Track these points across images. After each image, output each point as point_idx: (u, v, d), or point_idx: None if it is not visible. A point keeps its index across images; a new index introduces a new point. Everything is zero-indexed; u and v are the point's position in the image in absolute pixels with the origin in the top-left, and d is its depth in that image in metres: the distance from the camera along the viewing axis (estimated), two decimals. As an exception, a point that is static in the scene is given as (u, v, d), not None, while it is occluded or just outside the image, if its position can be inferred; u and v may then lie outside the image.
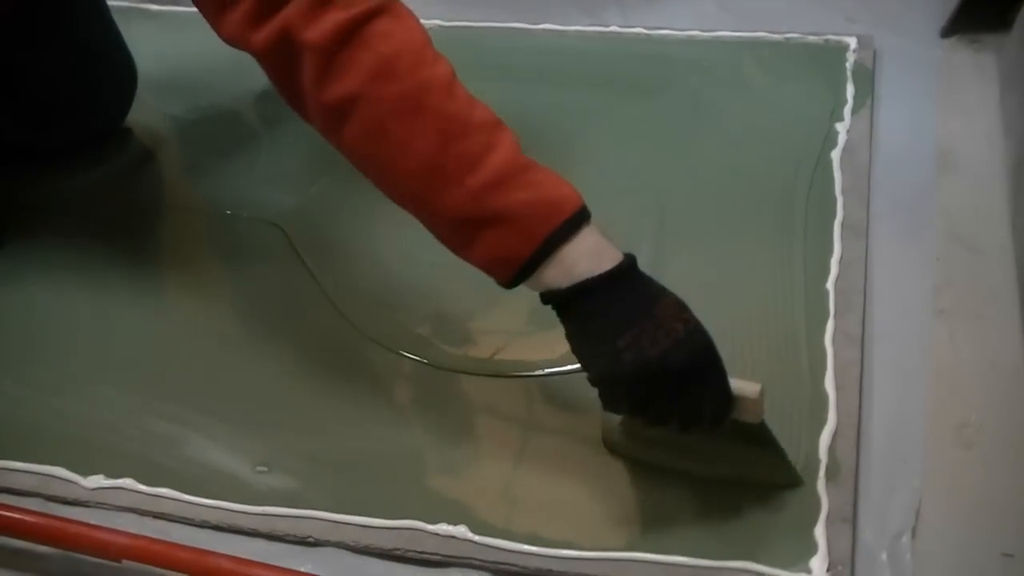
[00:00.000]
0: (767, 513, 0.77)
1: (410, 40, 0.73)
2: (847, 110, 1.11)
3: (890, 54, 1.20)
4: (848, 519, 0.76)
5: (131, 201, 1.15)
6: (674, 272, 0.92)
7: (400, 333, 0.95)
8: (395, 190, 0.75)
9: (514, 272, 0.71)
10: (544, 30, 1.32)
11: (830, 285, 0.93)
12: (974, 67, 1.17)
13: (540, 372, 0.89)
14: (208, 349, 0.96)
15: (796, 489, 0.78)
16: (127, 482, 0.85)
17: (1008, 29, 1.14)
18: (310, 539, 0.80)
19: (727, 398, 0.71)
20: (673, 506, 0.78)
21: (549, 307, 0.73)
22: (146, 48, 1.24)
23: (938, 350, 0.88)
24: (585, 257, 0.70)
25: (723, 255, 0.98)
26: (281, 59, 0.74)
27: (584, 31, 1.30)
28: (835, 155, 1.06)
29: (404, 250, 1.01)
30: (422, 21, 1.39)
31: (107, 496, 0.84)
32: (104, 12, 1.18)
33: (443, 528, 0.79)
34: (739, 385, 0.71)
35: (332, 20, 0.71)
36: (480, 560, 0.77)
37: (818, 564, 0.73)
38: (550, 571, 0.76)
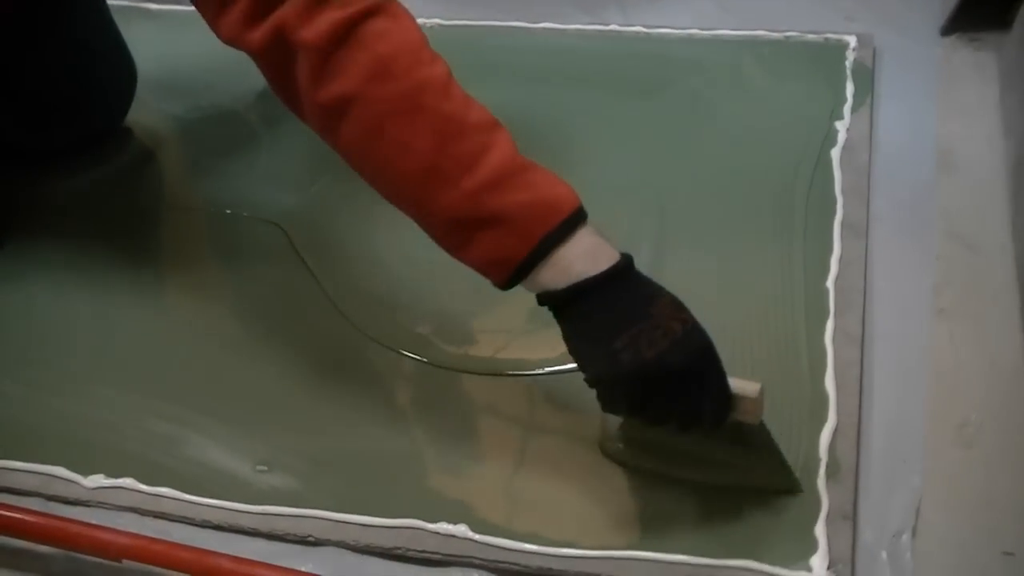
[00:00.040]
0: (767, 512, 0.77)
1: (406, 40, 0.73)
2: (847, 109, 1.11)
3: (890, 53, 1.20)
4: (848, 517, 0.76)
5: (131, 201, 1.15)
6: (674, 271, 0.92)
7: (400, 332, 0.95)
8: (391, 190, 0.75)
9: (510, 273, 0.71)
10: (544, 29, 1.32)
11: (830, 284, 0.93)
12: (974, 66, 1.17)
13: (541, 371, 0.89)
14: (208, 348, 0.96)
15: (797, 487, 0.78)
16: (127, 482, 0.85)
17: (1008, 28, 1.14)
18: (310, 538, 0.80)
19: (726, 398, 0.71)
20: (673, 505, 0.78)
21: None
22: (146, 48, 1.24)
23: (938, 349, 0.88)
24: (581, 258, 0.70)
25: (723, 254, 0.98)
26: (277, 59, 0.74)
27: (584, 30, 1.30)
28: (835, 154, 1.06)
29: (404, 249, 1.01)
30: (422, 20, 1.39)
31: (108, 496, 0.84)
32: (104, 12, 1.18)
33: (444, 527, 0.79)
34: (738, 384, 0.71)
35: (328, 19, 0.71)
36: (481, 559, 0.77)
37: (818, 562, 0.73)
38: (551, 570, 0.76)
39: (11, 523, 0.81)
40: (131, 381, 0.94)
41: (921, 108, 1.12)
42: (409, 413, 0.89)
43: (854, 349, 0.88)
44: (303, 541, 0.80)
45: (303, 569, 0.76)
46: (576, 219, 0.71)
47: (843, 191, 1.02)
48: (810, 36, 1.23)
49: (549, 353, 0.89)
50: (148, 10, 1.44)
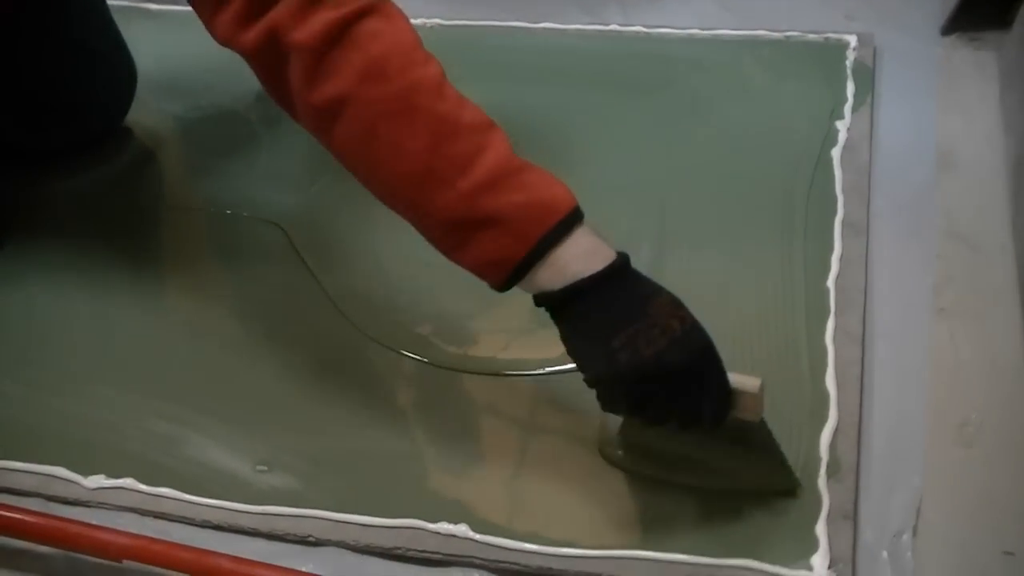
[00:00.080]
0: (768, 511, 0.77)
1: (400, 40, 0.73)
2: (847, 108, 1.12)
3: (890, 52, 1.20)
4: (849, 517, 0.76)
5: (131, 201, 1.15)
6: (674, 271, 0.92)
7: (400, 332, 0.95)
8: (386, 192, 0.74)
9: (507, 275, 0.71)
10: (544, 29, 1.32)
11: (830, 283, 0.93)
12: (974, 65, 1.17)
13: (541, 371, 0.89)
14: (208, 348, 0.96)
15: (798, 487, 0.78)
16: (128, 482, 0.85)
17: (1008, 27, 1.14)
18: (311, 538, 0.80)
19: (726, 395, 0.71)
20: (674, 504, 0.78)
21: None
22: (146, 48, 1.24)
23: (939, 348, 0.88)
24: (578, 258, 0.70)
25: (723, 253, 0.98)
26: (270, 60, 0.74)
27: (584, 30, 1.30)
28: (835, 153, 1.06)
29: (405, 249, 1.00)
30: (422, 20, 1.41)
31: (108, 496, 0.84)
32: (103, 12, 1.18)
33: (444, 527, 0.79)
34: (738, 380, 0.71)
35: (321, 20, 0.71)
36: (481, 559, 0.77)
37: (819, 561, 0.73)
38: (551, 569, 0.76)
39: (11, 523, 0.81)
40: (131, 381, 0.94)
41: (921, 107, 1.12)
42: (409, 413, 0.89)
43: (855, 348, 0.88)
44: (303, 541, 0.80)
45: (303, 569, 0.76)
46: (573, 219, 0.70)
47: (843, 190, 1.02)
48: (810, 35, 1.23)
49: (549, 353, 0.88)
50: (148, 10, 1.44)
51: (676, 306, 0.70)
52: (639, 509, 0.79)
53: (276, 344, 0.96)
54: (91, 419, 0.91)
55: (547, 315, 0.73)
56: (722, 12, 1.31)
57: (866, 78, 1.16)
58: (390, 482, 0.83)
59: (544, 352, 0.89)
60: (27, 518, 0.81)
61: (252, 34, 0.73)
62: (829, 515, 0.76)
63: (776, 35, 1.24)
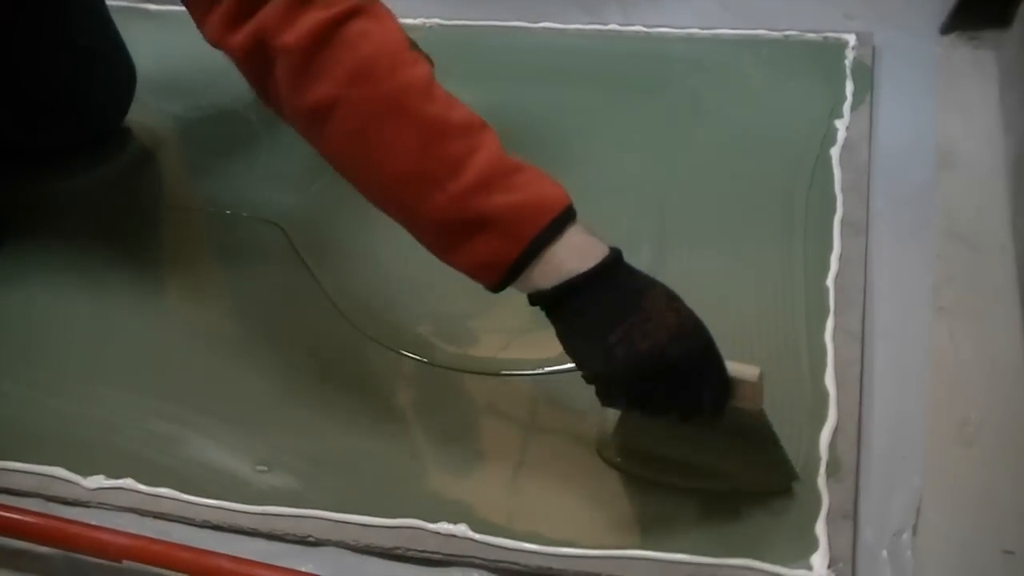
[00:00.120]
0: (768, 510, 0.77)
1: (388, 41, 0.72)
2: (846, 107, 1.12)
3: (889, 51, 1.20)
4: (849, 516, 0.76)
5: (131, 201, 1.15)
6: (674, 270, 0.92)
7: (400, 332, 0.95)
8: (377, 194, 0.74)
9: (501, 276, 0.71)
10: (544, 28, 1.32)
11: (830, 282, 0.93)
12: (973, 64, 1.17)
13: (541, 371, 0.89)
14: (208, 348, 0.96)
15: (796, 487, 0.77)
16: (127, 482, 0.85)
17: (1007, 26, 1.14)
18: (310, 538, 0.80)
19: (725, 384, 0.71)
20: (674, 504, 0.78)
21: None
22: (145, 48, 1.24)
23: (938, 348, 0.88)
24: (571, 256, 0.70)
25: (723, 253, 0.98)
26: (258, 62, 0.73)
27: (584, 29, 1.30)
28: (834, 152, 1.06)
29: (404, 249, 0.99)
30: (422, 19, 1.41)
31: (107, 496, 0.84)
32: (103, 12, 1.18)
33: (444, 527, 0.79)
34: (737, 369, 0.71)
35: (309, 21, 0.70)
36: (481, 559, 0.77)
37: (819, 561, 0.73)
38: (551, 569, 0.76)
39: (11, 524, 0.81)
40: (130, 381, 0.94)
41: (921, 106, 1.12)
42: (409, 413, 0.89)
43: (854, 347, 0.88)
44: (303, 541, 0.80)
45: (303, 569, 0.76)
46: (565, 218, 0.70)
47: (843, 189, 1.02)
48: (809, 35, 1.23)
49: (549, 353, 0.88)
50: (147, 10, 1.44)
51: (671, 299, 0.70)
52: (639, 509, 0.79)
53: (275, 344, 0.96)
54: (90, 419, 0.91)
55: (556, 335, 0.73)
56: (721, 11, 1.31)
57: (865, 77, 1.16)
58: (390, 482, 0.83)
59: (544, 352, 0.89)
60: (27, 518, 0.81)
61: (240, 36, 0.72)
62: (829, 514, 0.76)
63: (775, 34, 1.24)
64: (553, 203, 0.70)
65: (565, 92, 1.20)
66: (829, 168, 1.05)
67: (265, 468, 0.85)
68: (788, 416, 0.81)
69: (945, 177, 1.04)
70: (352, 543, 0.79)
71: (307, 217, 1.08)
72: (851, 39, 1.21)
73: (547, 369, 0.89)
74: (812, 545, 0.74)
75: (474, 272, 0.72)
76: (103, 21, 1.19)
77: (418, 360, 0.92)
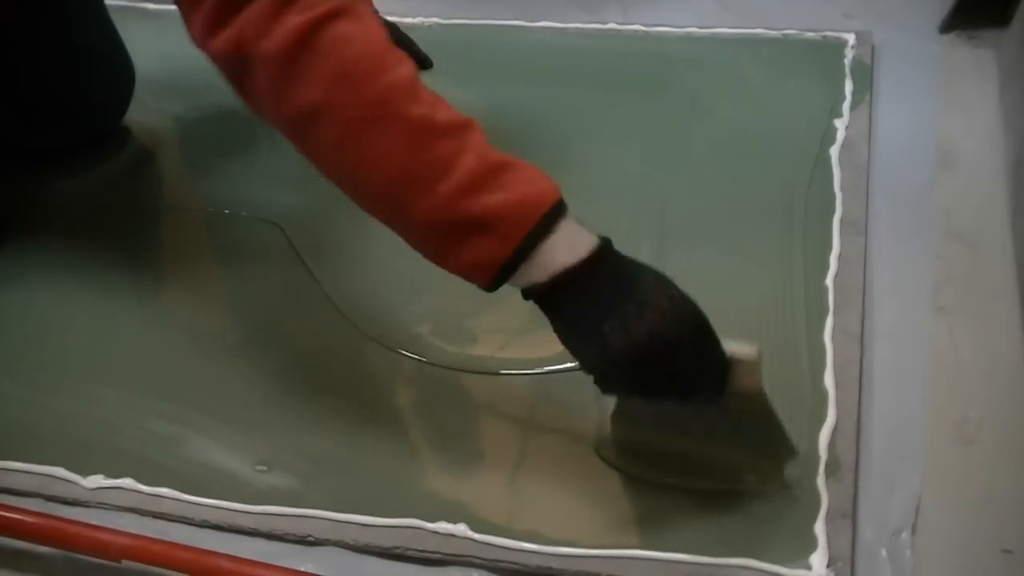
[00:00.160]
0: (767, 510, 0.77)
1: (370, 43, 0.71)
2: (845, 106, 1.12)
3: (889, 50, 1.20)
4: (848, 515, 0.76)
5: (131, 201, 1.15)
6: (674, 270, 0.91)
7: (400, 332, 0.95)
8: (366, 200, 0.74)
9: (495, 275, 0.70)
10: (543, 28, 1.32)
11: (829, 282, 0.93)
12: (973, 63, 1.17)
13: (540, 371, 0.89)
14: (207, 348, 0.96)
15: (796, 486, 0.78)
16: (127, 482, 0.85)
17: (1007, 25, 1.14)
18: (310, 538, 0.80)
19: (723, 363, 0.71)
20: (673, 503, 0.78)
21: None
22: (144, 48, 1.24)
23: (938, 347, 0.88)
24: (563, 248, 0.69)
25: (723, 252, 0.98)
26: (239, 68, 0.72)
27: (583, 28, 1.30)
28: (834, 151, 1.06)
29: (404, 249, 1.00)
30: (420, 19, 1.41)
31: (107, 496, 0.84)
32: (102, 12, 1.18)
33: (443, 526, 0.79)
34: (736, 349, 0.71)
35: (289, 25, 0.69)
36: (480, 558, 0.77)
37: (818, 560, 0.73)
38: (550, 569, 0.76)
39: (10, 524, 0.81)
40: (130, 381, 0.94)
41: (920, 105, 1.12)
42: (408, 413, 0.89)
43: (854, 347, 0.88)
44: (302, 541, 0.80)
45: (303, 569, 0.76)
46: (556, 212, 0.70)
47: (842, 188, 1.02)
48: (809, 34, 1.23)
49: (549, 352, 0.88)
50: (146, 10, 1.44)
51: (663, 283, 0.71)
52: (638, 508, 0.79)
53: (275, 344, 0.96)
54: (90, 419, 0.91)
55: (552, 328, 0.73)
56: (721, 11, 1.31)
57: (864, 76, 1.16)
58: (389, 482, 0.83)
59: (543, 351, 0.89)
60: (26, 518, 0.81)
61: (220, 42, 0.72)
62: (828, 514, 0.76)
63: (774, 33, 1.24)
64: (543, 198, 0.70)
65: (564, 91, 1.20)
66: (828, 167, 1.05)
67: (264, 468, 0.85)
68: (787, 415, 0.81)
69: (945, 176, 1.04)
70: (351, 543, 0.79)
71: (307, 217, 1.08)
72: (850, 38, 1.21)
73: (546, 369, 0.89)
74: (811, 545, 0.74)
75: (467, 273, 0.72)
76: (103, 21, 1.19)
77: (417, 360, 0.92)
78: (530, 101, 1.19)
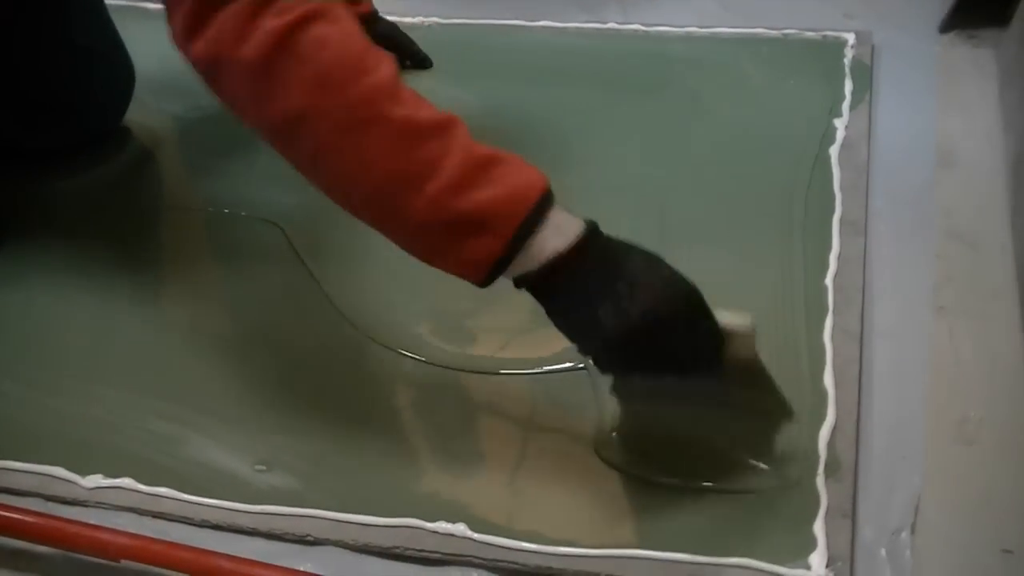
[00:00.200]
0: (766, 509, 0.77)
1: (348, 44, 0.71)
2: (845, 106, 1.12)
3: (888, 50, 1.20)
4: (847, 515, 0.76)
5: (130, 201, 1.15)
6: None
7: (399, 332, 0.95)
8: (353, 204, 0.73)
9: (489, 271, 0.70)
10: (542, 27, 1.32)
11: (829, 281, 0.93)
12: (972, 63, 1.17)
13: (540, 370, 0.89)
14: (206, 348, 0.96)
15: (795, 486, 0.77)
16: (126, 481, 0.85)
17: (1006, 25, 1.15)
18: (309, 538, 0.80)
19: (717, 335, 0.71)
20: (672, 503, 0.78)
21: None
22: (144, 47, 1.24)
23: (938, 346, 0.88)
24: (553, 236, 0.70)
25: (722, 252, 0.98)
26: (217, 74, 0.72)
27: (582, 28, 1.31)
28: (833, 151, 1.06)
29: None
30: (420, 18, 1.41)
31: (106, 496, 0.84)
32: (102, 11, 1.18)
33: (442, 526, 0.78)
34: (730, 319, 0.72)
35: (265, 30, 0.68)
36: (480, 558, 0.77)
37: (817, 560, 0.73)
38: (550, 568, 0.76)
39: (10, 523, 0.80)
40: (129, 380, 0.94)
41: (920, 105, 1.12)
42: (408, 412, 0.89)
43: (853, 346, 0.88)
44: (302, 540, 0.80)
45: (302, 568, 0.76)
46: (545, 202, 0.70)
47: (842, 188, 1.02)
48: (808, 33, 1.23)
49: (548, 352, 0.89)
50: (146, 10, 1.43)
51: (653, 261, 0.71)
52: (638, 508, 0.79)
53: (274, 343, 0.96)
54: (89, 418, 0.91)
55: (546, 313, 0.73)
56: (720, 10, 1.31)
57: (864, 76, 1.16)
58: (388, 481, 0.83)
59: (543, 351, 0.89)
60: (26, 518, 0.81)
61: (198, 48, 0.71)
62: (827, 514, 0.76)
63: (774, 33, 1.24)
64: (532, 190, 0.70)
65: (564, 91, 1.20)
66: (828, 167, 1.05)
67: (264, 467, 0.85)
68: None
69: (944, 176, 1.04)
70: (351, 542, 0.79)
71: (306, 217, 1.08)
72: (850, 38, 1.21)
73: (546, 368, 0.89)
74: (810, 544, 0.74)
75: (460, 270, 0.72)
76: (102, 21, 1.19)
77: (417, 359, 0.92)
78: (530, 101, 1.19)
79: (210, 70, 0.72)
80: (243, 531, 0.81)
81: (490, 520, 0.79)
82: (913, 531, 0.76)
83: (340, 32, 0.71)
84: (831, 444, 0.80)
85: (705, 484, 0.78)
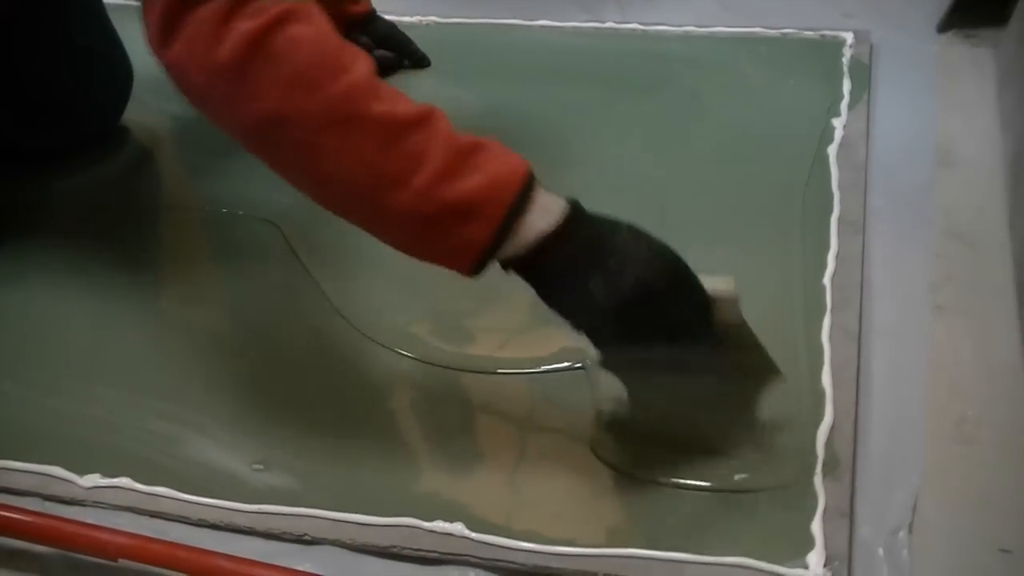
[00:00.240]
0: (764, 509, 0.77)
1: (323, 43, 0.70)
2: (844, 106, 1.12)
3: (887, 49, 1.20)
4: (845, 514, 0.76)
5: (129, 200, 1.15)
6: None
7: (397, 331, 0.95)
8: (337, 203, 0.73)
9: (478, 258, 0.71)
10: (541, 27, 1.32)
11: (827, 281, 0.93)
12: (971, 62, 1.17)
13: (539, 370, 0.89)
14: (204, 347, 0.96)
15: (793, 485, 0.78)
16: (124, 481, 0.85)
17: (1005, 24, 1.15)
18: (307, 537, 0.80)
19: (705, 300, 0.73)
20: (670, 502, 0.78)
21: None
22: (143, 47, 1.22)
23: (936, 346, 0.88)
24: (538, 217, 0.70)
25: (720, 250, 0.97)
26: (192, 77, 0.71)
27: (581, 27, 1.31)
28: (832, 151, 1.06)
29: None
30: (418, 18, 1.41)
31: (104, 495, 0.84)
32: (100, 11, 1.18)
33: (440, 525, 0.78)
34: (713, 285, 0.73)
35: (240, 32, 0.68)
36: (478, 558, 0.77)
37: (815, 559, 0.73)
38: (547, 568, 0.76)
39: (8, 523, 0.80)
40: (128, 380, 0.94)
41: (918, 105, 1.12)
42: (406, 412, 0.89)
43: (851, 345, 0.88)
44: (299, 540, 0.80)
45: (300, 568, 0.76)
46: (529, 185, 0.70)
47: (840, 187, 1.02)
48: (807, 33, 1.24)
49: (547, 351, 0.89)
50: (145, 9, 1.43)
51: (638, 234, 0.72)
52: (636, 507, 0.79)
53: (272, 343, 0.96)
54: (88, 418, 0.91)
55: (545, 313, 0.73)
56: (719, 10, 1.31)
57: (863, 75, 1.16)
58: (386, 481, 0.83)
59: (541, 350, 0.89)
60: (24, 518, 0.81)
61: (172, 53, 0.71)
62: (825, 513, 0.76)
63: (772, 32, 1.24)
64: (515, 174, 0.70)
65: (562, 91, 1.20)
66: (826, 166, 1.05)
67: (261, 467, 0.85)
68: (785, 414, 0.81)
69: (943, 175, 1.04)
70: (348, 542, 0.79)
71: (304, 216, 1.08)
72: (849, 37, 1.21)
73: (544, 368, 0.89)
74: (808, 543, 0.74)
75: (450, 261, 0.72)
76: (102, 21, 1.19)
77: (415, 359, 0.92)
78: (528, 100, 1.19)
79: (184, 73, 0.71)
80: (241, 530, 0.81)
81: (488, 519, 0.79)
82: (911, 530, 0.76)
83: (315, 31, 0.70)
84: (829, 443, 0.80)
85: (703, 483, 0.78)
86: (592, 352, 0.77)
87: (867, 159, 1.06)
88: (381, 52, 1.24)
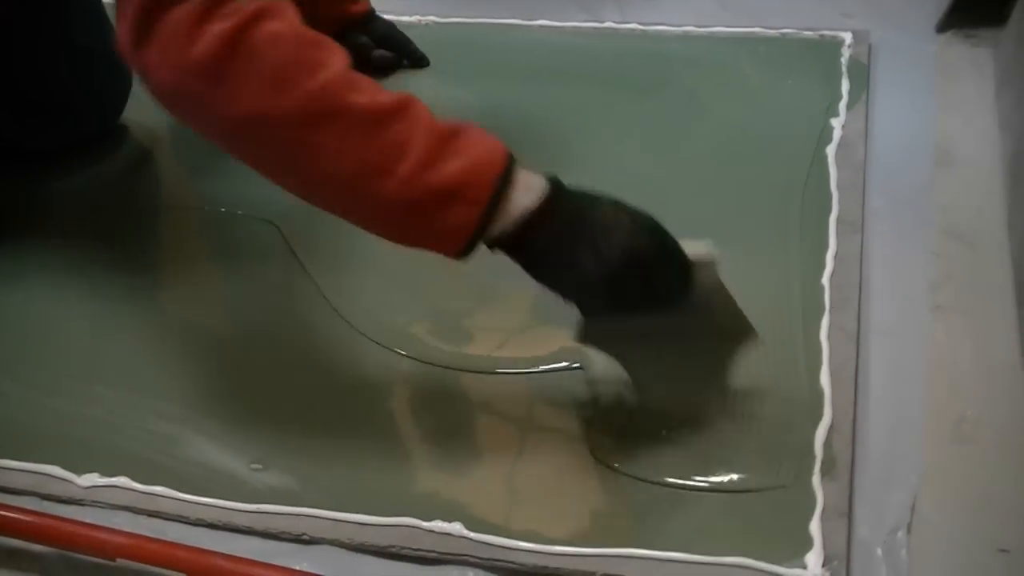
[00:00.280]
0: (763, 509, 0.77)
1: (298, 39, 0.70)
2: (842, 105, 1.12)
3: (885, 49, 1.20)
4: (844, 514, 0.76)
5: (128, 200, 1.15)
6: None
7: (396, 331, 0.95)
8: (323, 198, 0.74)
9: (468, 238, 0.71)
10: (540, 26, 1.32)
11: (825, 280, 0.93)
12: (970, 62, 1.17)
13: (537, 369, 0.89)
14: (203, 347, 0.96)
15: (792, 485, 0.77)
16: (122, 480, 0.85)
17: (1003, 24, 1.15)
18: (305, 537, 0.80)
19: (687, 264, 0.74)
20: (668, 503, 0.78)
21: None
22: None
23: (935, 346, 0.88)
24: (522, 195, 0.71)
25: (719, 250, 0.97)
26: (167, 81, 0.71)
27: (580, 27, 1.31)
28: (830, 150, 1.06)
29: (401, 247, 1.01)
30: (417, 17, 1.41)
31: (102, 495, 0.84)
32: (101, 11, 1.18)
33: (438, 525, 0.78)
34: (693, 250, 0.74)
35: (214, 33, 0.68)
36: (476, 557, 0.77)
37: (813, 559, 0.73)
38: (546, 568, 0.76)
39: (6, 522, 0.80)
40: (126, 380, 0.94)
41: (917, 104, 1.12)
42: (405, 411, 0.89)
43: (850, 345, 0.88)
44: (298, 540, 0.80)
45: (298, 568, 0.76)
46: (511, 165, 0.71)
47: (839, 187, 1.02)
48: (806, 33, 1.23)
49: (545, 351, 0.89)
50: (145, 9, 1.44)
51: (619, 205, 0.73)
52: (634, 507, 0.79)
53: (271, 342, 0.96)
54: (86, 417, 0.91)
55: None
56: (718, 10, 1.31)
57: (861, 75, 1.16)
58: (385, 480, 0.83)
59: (540, 350, 0.89)
60: (22, 517, 0.81)
61: (146, 57, 0.70)
62: (824, 513, 0.76)
63: (772, 32, 1.24)
64: (496, 154, 0.71)
65: (562, 90, 1.20)
66: (825, 166, 1.05)
67: (260, 466, 0.85)
68: (783, 414, 0.81)
69: (942, 175, 1.04)
70: (347, 541, 0.79)
71: (303, 216, 1.06)
72: (847, 37, 1.21)
73: (543, 368, 0.89)
74: (807, 543, 0.74)
75: (439, 245, 0.72)
76: (102, 21, 1.18)
77: (413, 359, 0.92)
78: (528, 100, 1.19)
79: (158, 75, 0.71)
80: (239, 530, 0.81)
81: (487, 519, 0.79)
82: (909, 530, 0.76)
83: (289, 27, 0.70)
84: (827, 443, 0.80)
85: (701, 484, 0.78)
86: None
87: (866, 159, 1.06)
88: (380, 52, 1.24)
